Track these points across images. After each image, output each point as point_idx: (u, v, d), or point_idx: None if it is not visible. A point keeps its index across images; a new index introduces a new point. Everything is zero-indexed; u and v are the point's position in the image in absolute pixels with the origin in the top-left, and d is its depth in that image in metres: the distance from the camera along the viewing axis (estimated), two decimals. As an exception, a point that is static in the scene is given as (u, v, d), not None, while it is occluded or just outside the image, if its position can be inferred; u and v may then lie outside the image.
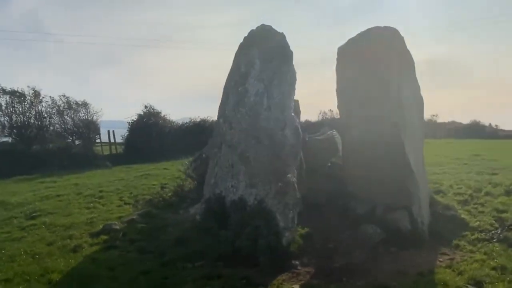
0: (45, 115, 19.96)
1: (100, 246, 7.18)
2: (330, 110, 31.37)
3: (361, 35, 7.64)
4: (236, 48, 7.37)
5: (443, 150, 19.14)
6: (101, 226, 8.30)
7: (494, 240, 6.59)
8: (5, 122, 18.80)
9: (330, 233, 7.06)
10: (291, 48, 7.07)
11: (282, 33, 7.21)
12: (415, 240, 6.62)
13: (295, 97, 8.25)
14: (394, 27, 7.74)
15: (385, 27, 7.71)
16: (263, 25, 7.17)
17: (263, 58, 6.81)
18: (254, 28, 7.46)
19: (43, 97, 19.85)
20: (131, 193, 11.94)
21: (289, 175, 6.15)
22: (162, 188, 11.53)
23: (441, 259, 6.06)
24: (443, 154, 17.38)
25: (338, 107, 7.94)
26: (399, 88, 7.02)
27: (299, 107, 9.67)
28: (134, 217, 8.92)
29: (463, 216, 7.60)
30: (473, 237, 6.79)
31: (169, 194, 10.97)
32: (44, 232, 8.21)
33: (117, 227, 8.27)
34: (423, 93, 7.86)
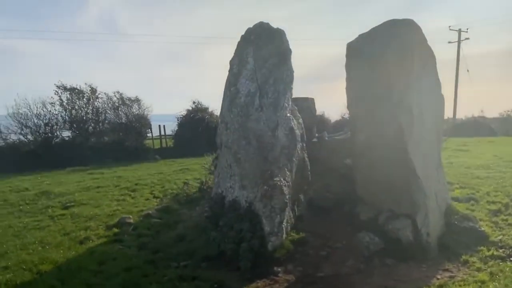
0: (101, 110, 21.33)
1: (107, 239, 7.53)
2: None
3: (372, 30, 7.16)
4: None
5: (505, 150, 17.41)
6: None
7: (510, 259, 5.87)
8: (66, 116, 20.39)
9: (329, 239, 6.77)
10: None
11: (281, 30, 6.96)
12: (417, 253, 6.12)
13: (311, 95, 8.00)
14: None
15: (403, 20, 7.15)
16: (261, 22, 6.98)
17: (258, 57, 6.64)
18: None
19: (99, 94, 21.27)
20: (163, 187, 12.39)
21: (276, 178, 5.96)
22: (185, 184, 11.77)
23: (439, 276, 5.53)
24: (502, 155, 15.82)
25: (347, 107, 7.53)
26: (406, 89, 6.48)
27: (314, 105, 9.36)
28: (151, 212, 9.24)
29: (484, 228, 6.85)
30: (488, 253, 6.11)
31: (194, 190, 11.20)
32: (68, 223, 8.78)
33: (131, 221, 8.62)
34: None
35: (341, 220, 7.40)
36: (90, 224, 8.51)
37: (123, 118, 21.92)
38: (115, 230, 8.07)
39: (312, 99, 9.21)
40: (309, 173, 7.49)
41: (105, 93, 21.67)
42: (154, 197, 11.33)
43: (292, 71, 6.75)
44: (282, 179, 6.08)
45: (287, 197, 6.05)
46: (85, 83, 21.23)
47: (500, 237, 6.66)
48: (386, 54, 6.69)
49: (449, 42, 37.11)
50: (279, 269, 5.70)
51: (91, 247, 6.97)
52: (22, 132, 19.39)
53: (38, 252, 6.71)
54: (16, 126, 19.06)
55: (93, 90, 21.09)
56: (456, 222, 6.78)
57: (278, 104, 6.39)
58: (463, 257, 6.02)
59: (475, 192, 9.29)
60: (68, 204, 10.58)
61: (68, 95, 20.38)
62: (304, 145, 7.43)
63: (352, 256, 6.11)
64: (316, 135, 9.78)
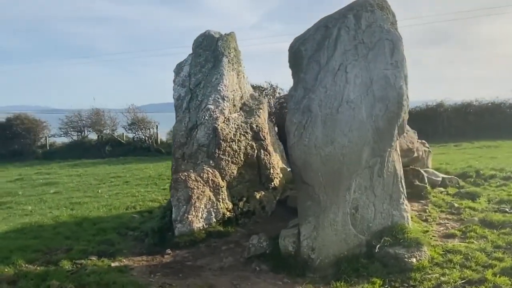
0: (285, 105, 23.83)
1: (145, 208, 9.72)
2: None
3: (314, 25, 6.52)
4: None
5: None
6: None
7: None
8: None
9: (249, 238, 6.83)
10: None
11: (221, 36, 7.24)
12: (296, 266, 5.58)
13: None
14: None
15: (350, 4, 6.27)
16: (206, 31, 7.47)
17: (196, 64, 7.23)
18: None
19: (280, 90, 23.89)
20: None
21: (181, 173, 6.68)
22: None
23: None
24: None
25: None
26: (313, 85, 5.79)
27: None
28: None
29: (414, 259, 5.28)
30: (370, 286, 4.93)
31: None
32: (148, 196, 11.36)
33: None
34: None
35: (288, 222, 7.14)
36: (159, 198, 10.97)
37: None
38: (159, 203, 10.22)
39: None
40: (269, 171, 7.54)
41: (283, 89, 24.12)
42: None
43: (222, 74, 7.04)
44: (192, 175, 6.73)
45: (193, 190, 6.68)
46: (265, 81, 24.29)
47: (435, 275, 5.06)
48: (303, 48, 6.11)
49: None
50: (170, 252, 6.53)
51: (114, 214, 9.21)
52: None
53: (84, 209, 9.67)
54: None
55: (274, 88, 23.92)
56: (378, 245, 5.54)
57: (201, 106, 6.95)
58: (336, 283, 5.10)
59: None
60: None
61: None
62: (264, 143, 7.53)
63: (237, 255, 6.21)
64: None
